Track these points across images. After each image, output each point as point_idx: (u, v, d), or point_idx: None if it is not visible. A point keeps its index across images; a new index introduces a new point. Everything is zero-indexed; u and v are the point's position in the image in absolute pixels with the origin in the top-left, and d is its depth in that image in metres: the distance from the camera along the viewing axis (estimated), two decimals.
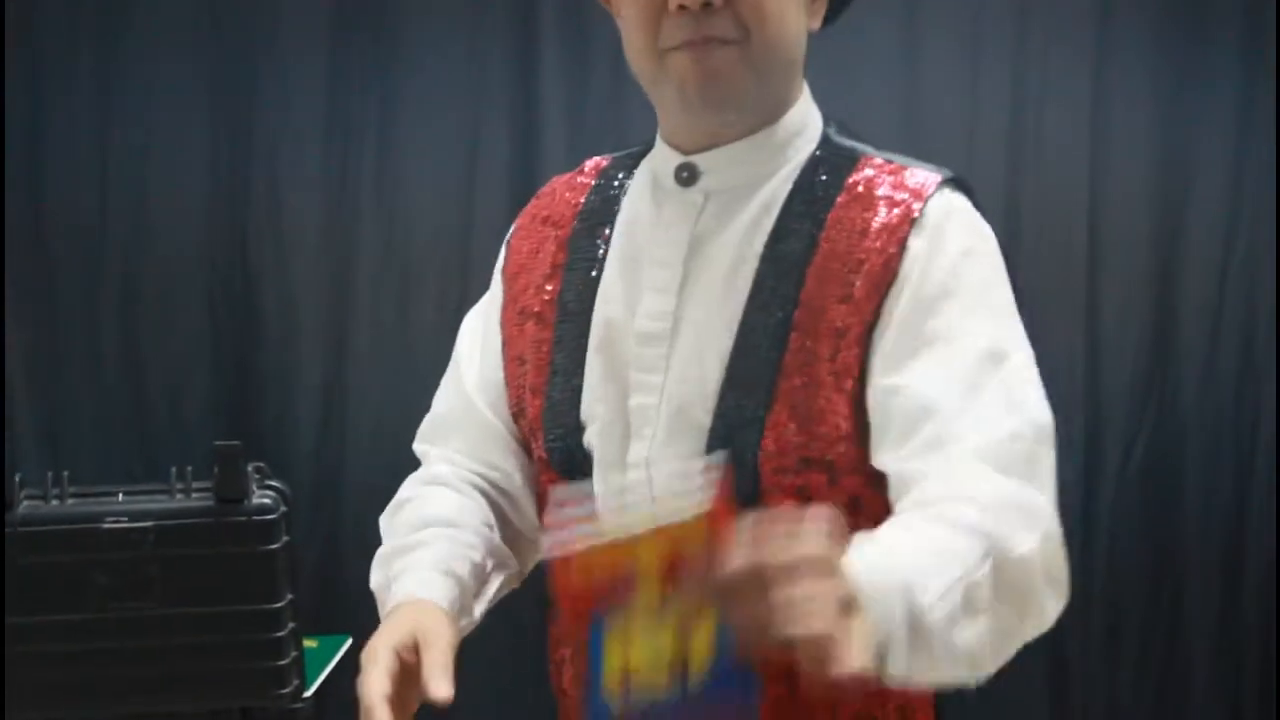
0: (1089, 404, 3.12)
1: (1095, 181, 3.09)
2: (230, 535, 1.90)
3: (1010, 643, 1.24)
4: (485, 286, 3.17)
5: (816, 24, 1.46)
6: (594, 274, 1.49)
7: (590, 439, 1.46)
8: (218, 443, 1.95)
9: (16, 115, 2.95)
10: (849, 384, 1.34)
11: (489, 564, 1.53)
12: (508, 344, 1.56)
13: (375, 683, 1.31)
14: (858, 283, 1.35)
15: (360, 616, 3.00)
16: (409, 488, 1.62)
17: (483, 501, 1.58)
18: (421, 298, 3.07)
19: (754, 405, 1.36)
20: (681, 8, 1.35)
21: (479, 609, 1.51)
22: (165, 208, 3.03)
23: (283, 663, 1.95)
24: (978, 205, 1.43)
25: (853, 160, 1.43)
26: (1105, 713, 3.20)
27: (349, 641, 2.59)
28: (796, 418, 1.34)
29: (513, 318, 1.56)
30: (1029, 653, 2.71)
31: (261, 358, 3.07)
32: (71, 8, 2.97)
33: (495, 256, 3.08)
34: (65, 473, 2.02)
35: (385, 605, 1.48)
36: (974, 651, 1.19)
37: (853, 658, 1.00)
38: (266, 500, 1.94)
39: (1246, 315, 3.13)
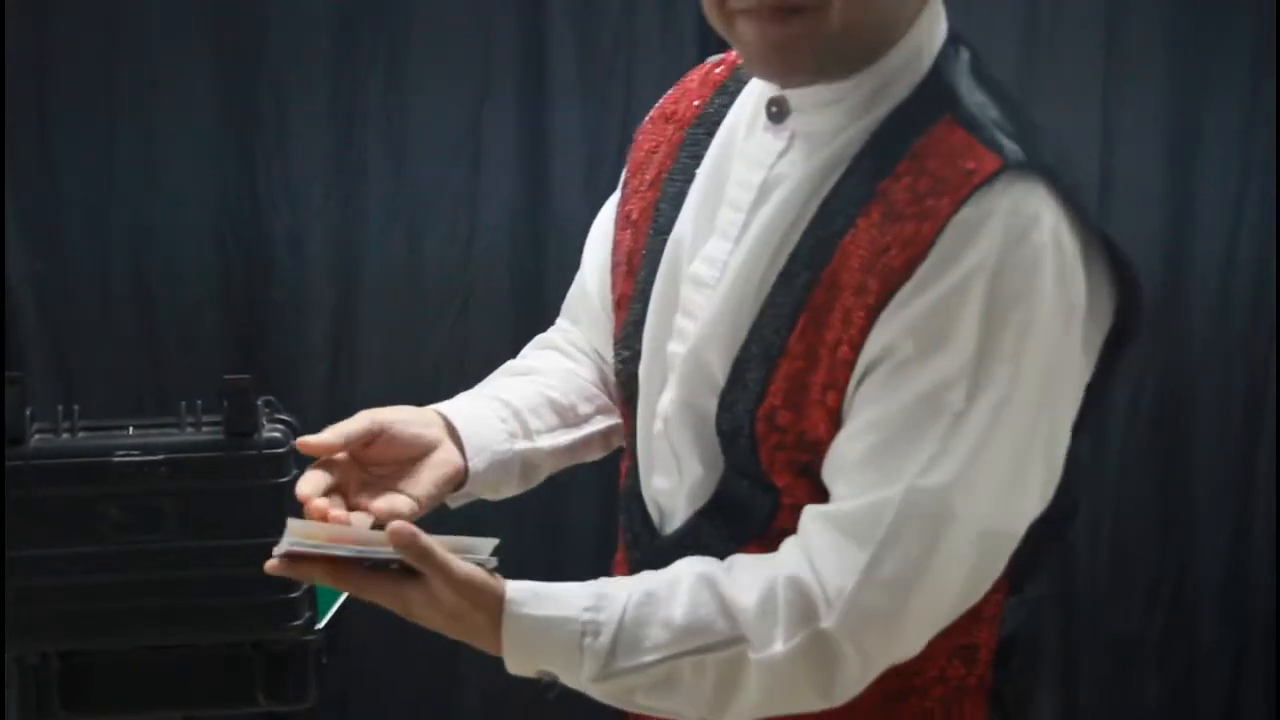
0: None
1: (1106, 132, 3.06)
2: (241, 468, 1.90)
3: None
4: (495, 216, 3.16)
5: None
6: (686, 190, 1.41)
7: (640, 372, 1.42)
8: (228, 376, 1.95)
9: (22, 47, 2.92)
10: (842, 380, 1.24)
11: (583, 407, 1.52)
12: (615, 246, 1.50)
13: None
14: (874, 274, 1.22)
15: None
16: (522, 353, 1.61)
17: (593, 366, 1.56)
18: (432, 228, 3.05)
19: (757, 381, 1.28)
20: None
21: (552, 440, 1.49)
22: (173, 140, 3.01)
23: (294, 595, 1.97)
24: (1065, 187, 1.24)
25: (933, 116, 1.26)
26: (1111, 650, 3.20)
27: None
28: (790, 403, 1.27)
29: (621, 219, 1.49)
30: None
31: (271, 291, 3.06)
32: None
33: (503, 187, 3.07)
34: (76, 406, 2.02)
35: None
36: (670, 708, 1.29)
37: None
38: (276, 434, 1.95)
39: (1259, 255, 3.08)
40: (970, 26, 1.35)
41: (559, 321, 1.65)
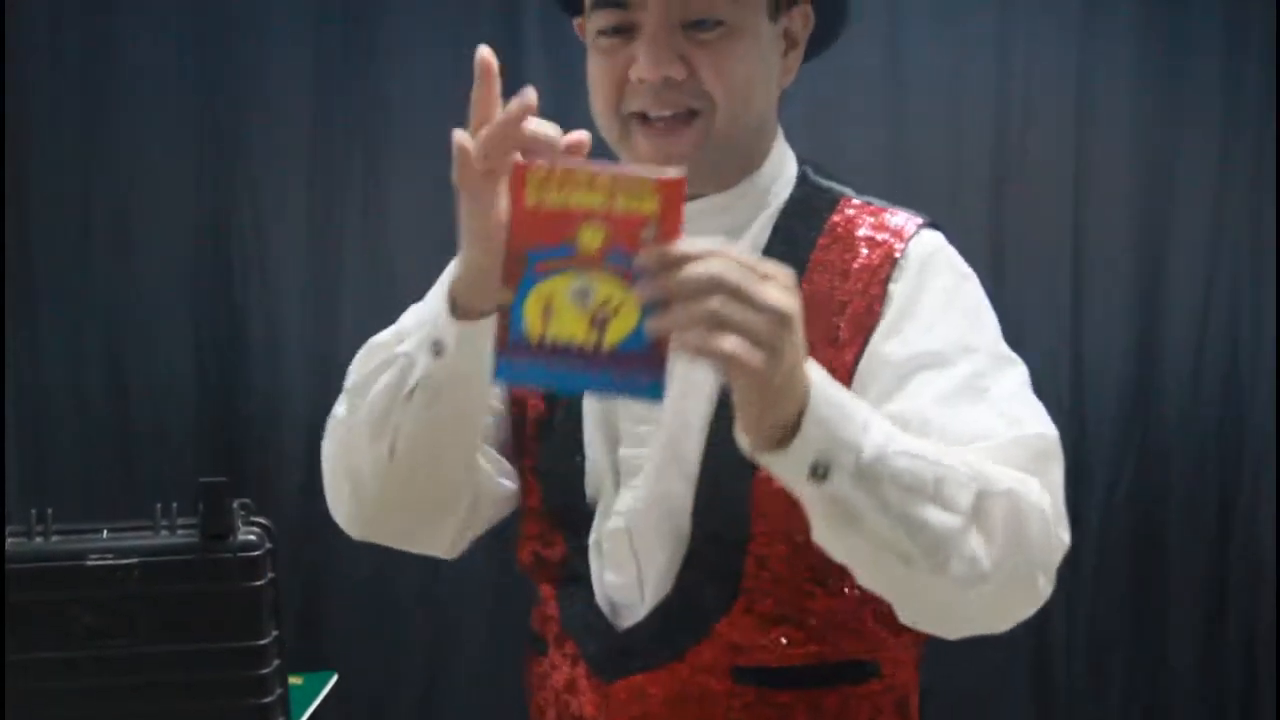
0: (1074, 435, 3.12)
1: (1079, 208, 3.11)
2: (215, 572, 1.89)
3: (969, 576, 1.19)
4: None
5: (789, 80, 1.45)
6: None
7: (589, 488, 1.47)
8: (203, 479, 1.95)
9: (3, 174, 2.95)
10: None
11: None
12: None
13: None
14: (842, 324, 1.37)
15: (346, 653, 2.98)
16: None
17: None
18: None
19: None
20: (642, 80, 1.34)
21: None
22: (149, 241, 3.03)
23: (268, 700, 1.94)
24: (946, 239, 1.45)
25: (832, 202, 1.45)
26: None
27: (334, 679, 2.58)
28: None
29: None
30: (1016, 679, 2.72)
31: (247, 393, 3.07)
32: (56, 42, 2.97)
33: None
34: (49, 510, 2.01)
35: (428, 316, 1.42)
36: (921, 536, 1.16)
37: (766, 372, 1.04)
38: (252, 536, 1.94)
39: (1230, 343, 3.14)
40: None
41: None
